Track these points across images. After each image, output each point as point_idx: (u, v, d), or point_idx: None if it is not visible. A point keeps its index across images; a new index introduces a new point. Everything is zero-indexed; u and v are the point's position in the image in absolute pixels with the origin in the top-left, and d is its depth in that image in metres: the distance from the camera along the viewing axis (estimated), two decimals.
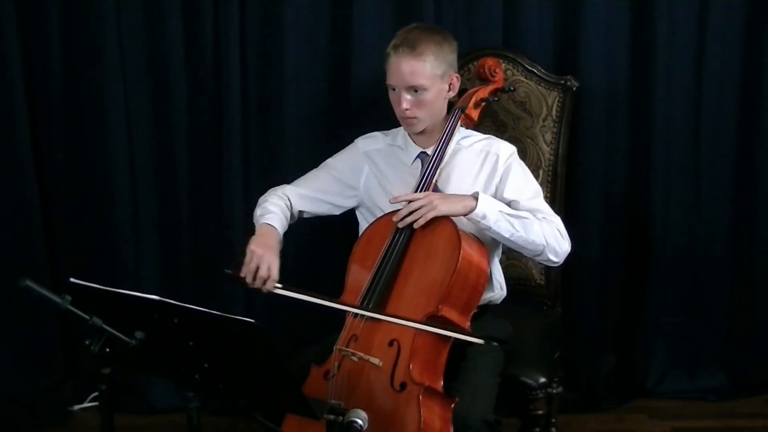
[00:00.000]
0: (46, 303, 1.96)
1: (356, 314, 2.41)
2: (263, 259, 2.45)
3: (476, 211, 2.45)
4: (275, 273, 2.46)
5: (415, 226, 2.44)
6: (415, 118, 2.57)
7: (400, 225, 2.46)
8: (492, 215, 2.47)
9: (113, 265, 3.38)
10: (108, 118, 3.29)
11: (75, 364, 3.50)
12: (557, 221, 2.57)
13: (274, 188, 2.74)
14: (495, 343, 2.48)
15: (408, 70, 2.52)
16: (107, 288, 2.02)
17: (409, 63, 2.51)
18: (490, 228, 2.48)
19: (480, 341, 2.37)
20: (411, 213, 2.43)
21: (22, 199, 3.34)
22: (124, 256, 3.39)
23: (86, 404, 3.49)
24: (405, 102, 2.54)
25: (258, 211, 2.65)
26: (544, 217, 2.55)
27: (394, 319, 2.36)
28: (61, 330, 3.46)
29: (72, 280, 2.01)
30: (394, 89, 2.57)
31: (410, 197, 2.47)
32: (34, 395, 3.43)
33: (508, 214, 2.49)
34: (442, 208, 2.44)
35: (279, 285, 2.46)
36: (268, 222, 2.59)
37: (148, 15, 3.26)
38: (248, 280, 2.45)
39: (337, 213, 2.77)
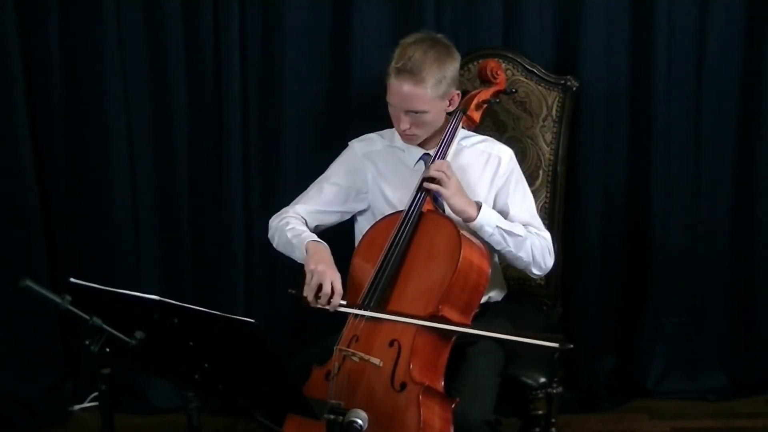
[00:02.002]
0: (46, 303, 1.96)
1: (357, 314, 2.41)
2: (325, 276, 2.40)
3: (474, 222, 2.48)
4: (339, 288, 2.40)
5: (425, 185, 2.47)
6: (414, 135, 2.58)
7: (425, 173, 2.50)
8: (488, 228, 2.50)
9: (113, 265, 3.38)
10: (108, 118, 3.29)
11: (75, 364, 3.50)
12: (548, 237, 2.62)
13: (281, 212, 2.69)
14: (556, 344, 2.29)
15: (408, 95, 2.49)
16: (107, 288, 2.02)
17: (409, 89, 2.49)
18: (482, 238, 2.50)
19: (547, 343, 2.28)
20: (439, 173, 2.47)
21: (22, 199, 3.34)
22: (124, 256, 3.39)
23: (86, 404, 3.49)
24: (404, 123, 2.54)
25: (288, 235, 2.58)
26: (537, 233, 2.59)
27: (388, 316, 2.36)
28: (61, 330, 3.46)
29: (72, 280, 2.02)
30: (394, 106, 2.56)
31: (444, 167, 2.48)
32: (34, 395, 3.42)
33: (505, 230, 2.52)
34: (453, 197, 2.46)
35: (344, 302, 2.41)
36: (314, 239, 2.54)
37: (148, 15, 3.25)
38: (310, 298, 2.41)
39: (347, 218, 2.77)
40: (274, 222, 2.67)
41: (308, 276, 2.42)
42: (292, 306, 3.36)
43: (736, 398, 3.44)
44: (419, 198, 2.49)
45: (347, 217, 2.76)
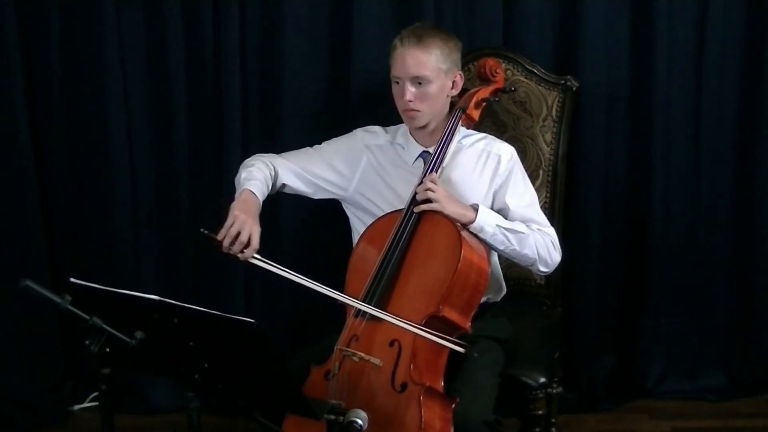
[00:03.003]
0: (46, 303, 1.95)
1: (357, 314, 2.42)
2: (246, 225, 2.41)
3: (474, 224, 2.48)
4: (256, 241, 2.41)
5: (416, 209, 2.46)
6: (417, 111, 2.57)
7: (418, 197, 2.48)
8: (489, 229, 2.49)
9: (113, 265, 3.38)
10: (108, 118, 3.29)
11: (75, 364, 3.50)
12: (551, 233, 2.61)
13: (260, 154, 2.71)
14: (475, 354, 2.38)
15: (413, 61, 2.52)
16: (107, 288, 2.02)
17: (414, 54, 2.52)
18: (485, 240, 2.50)
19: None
20: (423, 193, 2.47)
21: (22, 199, 3.34)
22: (124, 256, 3.39)
23: (86, 404, 3.49)
24: (408, 94, 2.54)
25: (243, 174, 2.61)
26: (539, 229, 2.58)
27: (387, 316, 2.35)
28: (61, 330, 3.46)
29: (72, 280, 2.01)
30: (397, 82, 2.57)
31: (429, 184, 2.48)
32: (34, 395, 3.42)
33: (506, 229, 2.51)
34: (448, 208, 2.46)
35: (257, 255, 2.41)
36: (252, 189, 2.56)
37: (148, 15, 3.26)
38: (226, 243, 2.39)
39: (315, 197, 2.76)
40: (249, 158, 2.69)
41: (229, 220, 2.42)
42: (293, 304, 3.37)
43: (736, 398, 3.44)
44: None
45: (317, 195, 2.74)
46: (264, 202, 2.66)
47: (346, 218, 2.79)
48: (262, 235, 2.42)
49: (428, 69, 2.53)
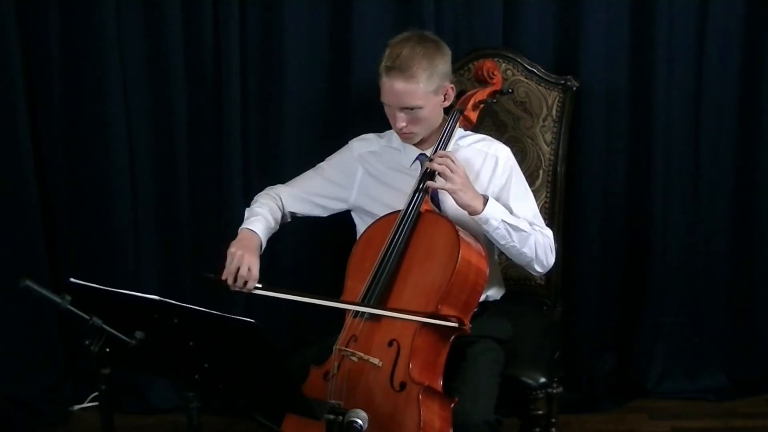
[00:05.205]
0: (46, 303, 1.96)
1: (356, 314, 2.42)
2: (243, 260, 2.45)
3: (480, 215, 2.47)
4: (255, 273, 2.46)
5: (429, 184, 2.47)
6: (411, 133, 2.58)
7: (427, 165, 2.49)
8: (494, 222, 2.49)
9: (113, 265, 3.38)
10: (108, 118, 3.29)
11: (75, 364, 3.50)
12: (550, 235, 2.61)
13: (270, 187, 2.75)
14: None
15: (401, 92, 2.50)
16: (107, 288, 2.02)
17: (401, 85, 2.49)
18: (487, 232, 2.51)
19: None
20: (442, 167, 2.45)
21: (22, 199, 3.34)
22: (124, 256, 3.39)
23: (86, 404, 3.49)
24: (401, 120, 2.54)
25: (246, 213, 2.66)
26: (540, 230, 2.59)
27: (386, 312, 2.36)
28: (61, 330, 3.46)
29: (72, 280, 2.02)
30: (389, 105, 2.57)
31: (447, 161, 2.46)
32: (34, 395, 3.43)
33: (510, 225, 2.51)
34: (460, 193, 2.45)
35: (259, 285, 2.47)
36: (250, 227, 2.59)
37: (148, 15, 3.26)
38: (229, 281, 2.45)
39: (325, 215, 2.78)
40: (258, 195, 2.74)
41: (228, 259, 2.47)
42: (292, 306, 3.36)
43: (736, 398, 3.44)
44: (418, 198, 2.49)
45: (325, 213, 2.77)
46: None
47: (351, 222, 2.79)
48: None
49: (417, 98, 2.50)
